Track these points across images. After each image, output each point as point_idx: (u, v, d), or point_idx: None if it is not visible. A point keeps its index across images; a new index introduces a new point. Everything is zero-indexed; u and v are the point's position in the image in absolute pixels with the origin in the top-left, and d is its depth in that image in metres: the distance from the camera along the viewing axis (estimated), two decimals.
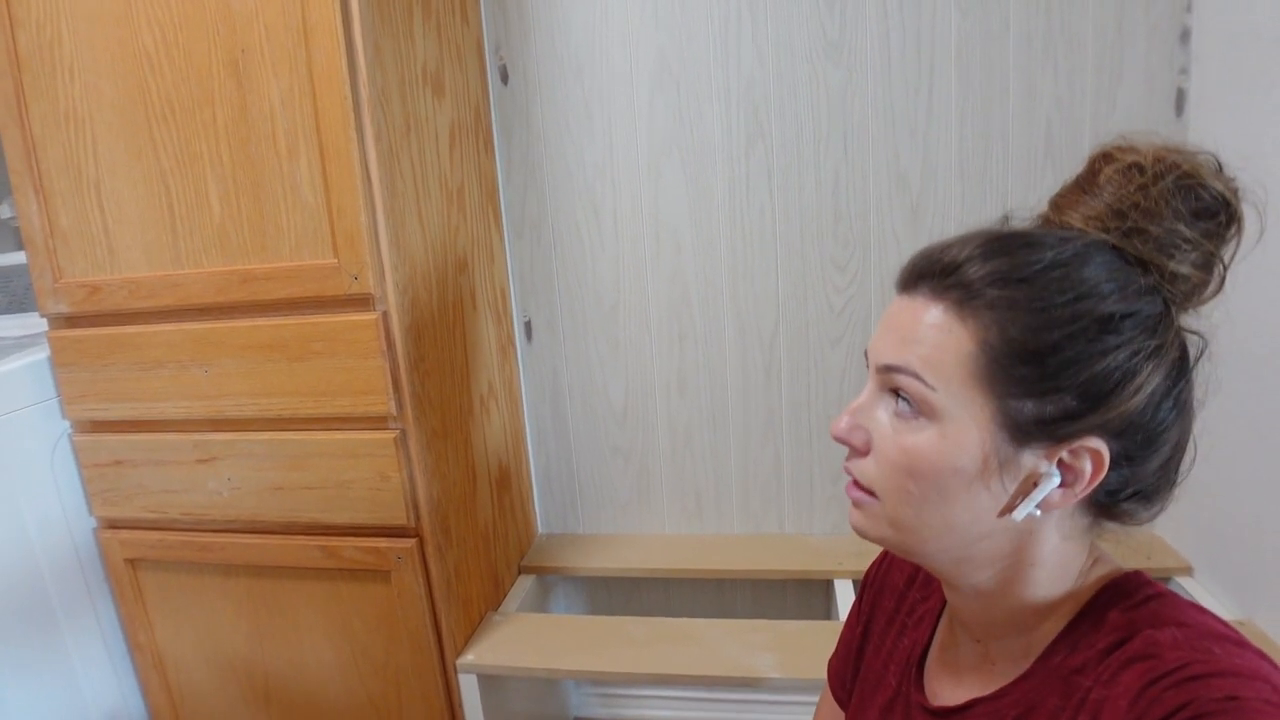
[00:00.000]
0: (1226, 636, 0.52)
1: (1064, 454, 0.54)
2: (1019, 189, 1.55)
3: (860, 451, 0.59)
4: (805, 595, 1.79)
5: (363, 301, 1.24)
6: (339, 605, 1.39)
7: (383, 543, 1.33)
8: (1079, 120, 1.51)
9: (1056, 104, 1.51)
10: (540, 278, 1.75)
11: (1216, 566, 1.48)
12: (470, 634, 1.48)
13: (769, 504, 1.79)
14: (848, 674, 0.82)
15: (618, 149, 1.66)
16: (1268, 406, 1.30)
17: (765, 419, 1.74)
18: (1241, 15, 1.33)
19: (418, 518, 1.33)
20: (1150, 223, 0.55)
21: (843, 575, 1.64)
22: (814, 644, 1.42)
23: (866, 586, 0.83)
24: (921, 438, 0.56)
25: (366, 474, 1.30)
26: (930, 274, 0.57)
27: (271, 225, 1.24)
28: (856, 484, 0.59)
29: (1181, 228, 0.54)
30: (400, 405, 1.28)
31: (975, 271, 0.55)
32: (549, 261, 1.74)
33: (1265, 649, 1.19)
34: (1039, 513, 0.55)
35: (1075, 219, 0.57)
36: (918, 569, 0.77)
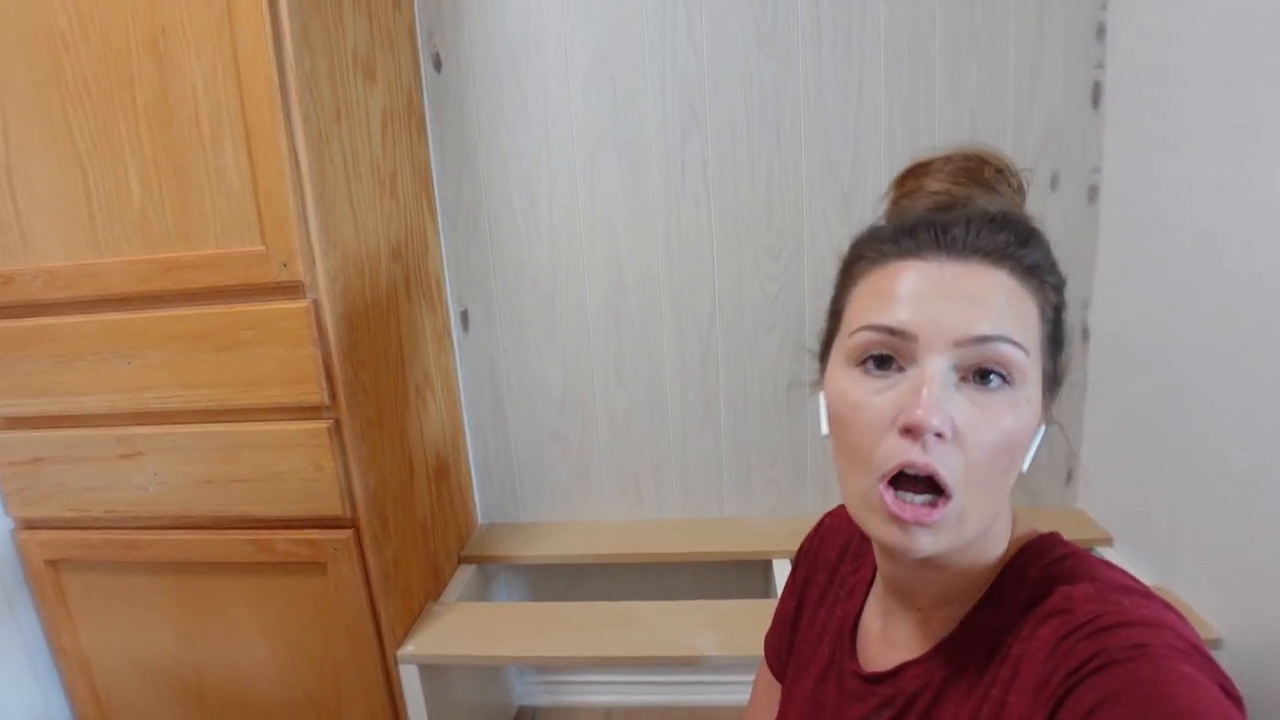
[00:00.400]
0: (1134, 589, 0.55)
1: (1048, 406, 0.59)
2: None
3: (947, 441, 0.52)
4: (745, 576, 1.82)
5: (292, 289, 1.22)
6: (273, 600, 1.37)
7: (317, 534, 1.31)
8: (1002, 112, 1.56)
9: (981, 95, 1.56)
10: (476, 266, 1.73)
11: (1135, 537, 1.56)
12: (410, 625, 1.47)
13: (709, 488, 1.81)
14: (783, 647, 0.83)
15: (553, 138, 1.66)
16: (1178, 390, 1.36)
17: (703, 405, 1.76)
18: (1152, 12, 1.39)
19: (353, 508, 1.31)
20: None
21: (781, 555, 1.66)
22: (753, 621, 1.44)
23: (800, 561, 0.84)
24: (1015, 410, 0.53)
25: (299, 465, 1.28)
26: (985, 243, 0.55)
27: (195, 211, 1.21)
28: (937, 488, 0.53)
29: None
30: (333, 394, 1.26)
31: (1025, 240, 0.56)
32: (485, 250, 1.72)
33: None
34: (1026, 468, 0.57)
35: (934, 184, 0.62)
36: (849, 541, 0.79)
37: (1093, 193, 1.59)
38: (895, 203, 0.65)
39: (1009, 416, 0.53)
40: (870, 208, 1.61)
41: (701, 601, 1.53)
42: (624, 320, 1.73)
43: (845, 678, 0.69)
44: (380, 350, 1.40)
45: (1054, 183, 1.58)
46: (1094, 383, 1.64)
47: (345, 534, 1.31)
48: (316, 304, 1.22)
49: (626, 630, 1.46)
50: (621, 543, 1.76)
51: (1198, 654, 0.49)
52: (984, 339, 0.52)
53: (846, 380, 0.57)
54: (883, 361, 0.55)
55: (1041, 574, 0.58)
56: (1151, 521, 1.49)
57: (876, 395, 0.55)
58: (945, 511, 0.53)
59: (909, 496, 0.53)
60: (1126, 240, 1.52)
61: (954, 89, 1.56)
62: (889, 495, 0.53)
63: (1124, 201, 1.52)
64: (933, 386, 0.52)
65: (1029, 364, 0.54)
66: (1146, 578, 1.47)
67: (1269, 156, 1.13)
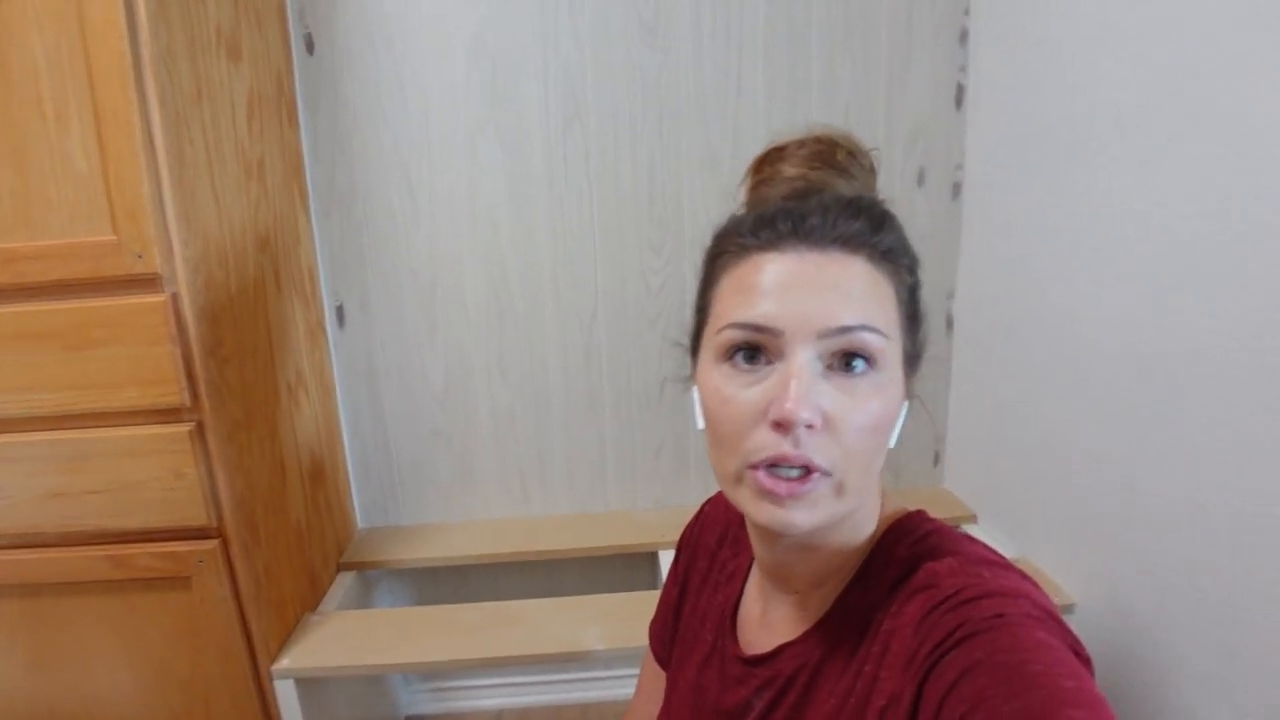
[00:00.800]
0: (995, 562, 0.58)
1: (910, 383, 0.61)
2: None
3: (819, 432, 0.53)
4: (632, 568, 1.82)
5: (148, 282, 1.13)
6: (133, 619, 1.27)
7: (181, 546, 1.23)
8: (874, 109, 1.62)
9: (854, 92, 1.61)
10: (352, 258, 1.66)
11: (996, 513, 1.65)
12: (285, 638, 1.40)
13: (594, 482, 1.81)
14: (667, 635, 0.84)
15: (432, 125, 1.61)
16: (1034, 376, 1.46)
17: (587, 398, 1.75)
18: (1010, 19, 1.47)
19: (220, 517, 1.23)
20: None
21: (666, 547, 1.67)
22: (639, 614, 1.42)
23: (682, 548, 0.85)
24: (880, 392, 0.55)
25: (158, 472, 1.19)
26: (842, 231, 0.56)
27: (38, 199, 1.10)
28: (809, 469, 0.53)
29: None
30: (195, 395, 1.17)
31: (879, 226, 0.57)
32: (361, 240, 1.65)
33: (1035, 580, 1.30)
34: (893, 443, 0.59)
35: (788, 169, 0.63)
36: (728, 527, 0.80)
37: (956, 189, 1.67)
38: (753, 189, 0.66)
39: (875, 399, 0.55)
40: None
41: (588, 597, 1.52)
42: (507, 312, 1.70)
43: (727, 662, 0.70)
44: (247, 347, 1.31)
45: (921, 179, 1.66)
46: (958, 370, 1.73)
47: (211, 544, 1.22)
48: (175, 298, 1.14)
49: (513, 630, 1.43)
50: (507, 541, 1.73)
51: (1052, 620, 0.52)
52: (847, 329, 0.54)
53: (717, 375, 0.57)
54: (751, 355, 0.56)
55: (909, 551, 0.60)
56: (1011, 499, 1.58)
57: (746, 389, 0.55)
58: (819, 483, 0.54)
59: (782, 471, 0.54)
60: (986, 235, 1.61)
61: (829, 85, 1.61)
62: (761, 473, 0.54)
63: (984, 198, 1.61)
64: (800, 379, 0.53)
65: (890, 347, 0.56)
66: (1007, 550, 1.56)
67: (1111, 157, 1.22)
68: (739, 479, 0.56)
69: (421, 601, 1.88)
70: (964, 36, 1.60)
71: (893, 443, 0.59)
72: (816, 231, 0.56)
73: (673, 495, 1.83)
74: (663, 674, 0.85)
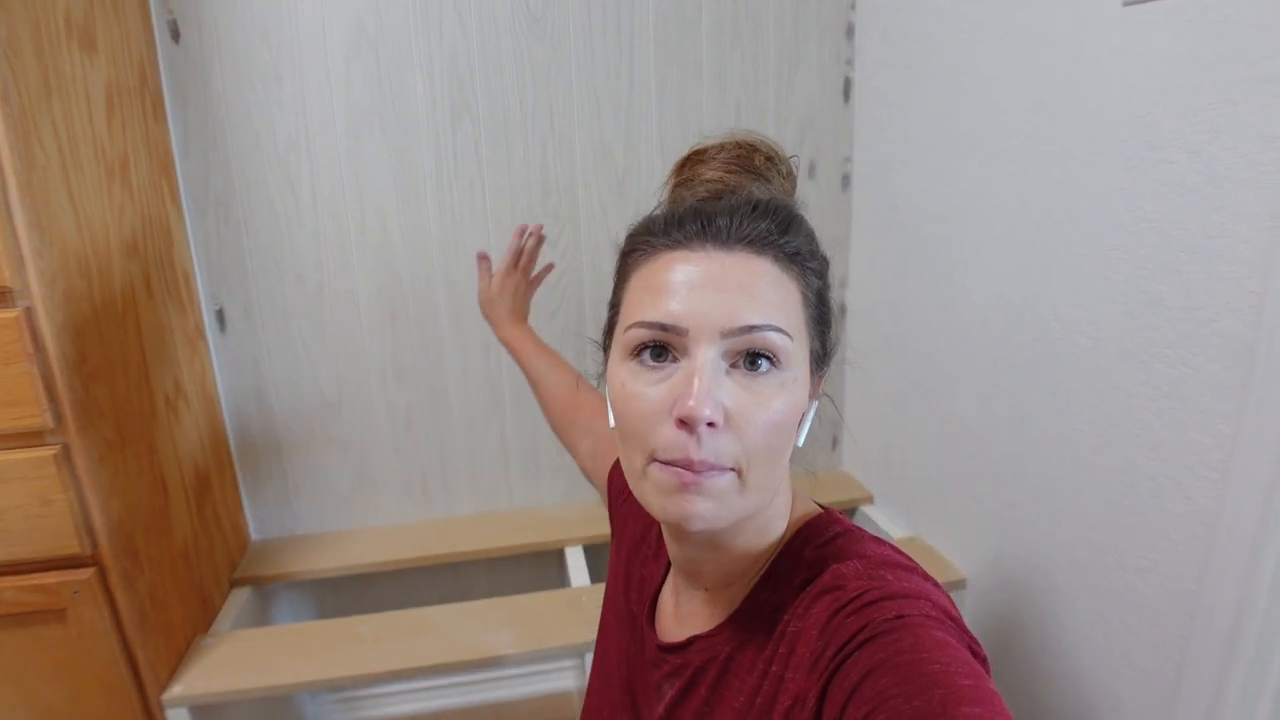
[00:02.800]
0: (899, 564, 0.60)
1: (815, 383, 0.62)
2: None
3: (721, 430, 0.54)
4: (540, 567, 1.81)
5: None
6: (4, 657, 1.18)
7: (52, 578, 1.14)
8: (763, 103, 1.64)
9: (744, 87, 1.62)
10: (231, 260, 1.58)
11: (892, 494, 1.71)
12: (176, 664, 1.32)
13: (497, 480, 1.78)
14: (614, 513, 0.87)
15: (313, 118, 1.53)
16: (922, 362, 1.51)
17: (488, 396, 1.72)
18: (892, 15, 1.51)
19: (95, 543, 1.15)
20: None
21: (573, 543, 1.68)
22: (549, 614, 1.45)
23: (615, 497, 0.87)
24: (784, 391, 0.55)
25: (22, 500, 1.10)
26: (749, 232, 0.57)
27: None
28: (712, 467, 0.54)
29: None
30: (59, 416, 1.09)
31: (786, 227, 0.58)
32: (240, 242, 1.57)
33: (927, 558, 1.38)
34: (801, 442, 0.60)
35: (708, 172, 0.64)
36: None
37: (845, 180, 1.71)
38: (674, 190, 0.67)
39: (778, 398, 0.55)
40: (644, 193, 1.66)
41: (497, 599, 1.50)
42: (399, 312, 1.65)
43: (646, 645, 0.72)
44: (118, 360, 1.23)
45: (811, 171, 1.69)
46: (853, 356, 1.78)
47: (87, 573, 1.15)
48: (30, 313, 1.05)
49: (420, 639, 1.40)
50: (411, 545, 1.69)
51: (949, 620, 0.54)
52: (750, 328, 0.54)
53: (625, 372, 0.58)
54: (659, 353, 0.56)
55: (816, 554, 0.62)
56: (905, 480, 1.64)
57: (653, 386, 0.56)
58: (720, 476, 0.54)
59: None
60: (875, 225, 1.65)
61: (719, 79, 1.61)
62: (661, 466, 0.55)
63: (871, 189, 1.65)
64: (703, 377, 0.53)
65: (794, 347, 0.56)
66: (902, 530, 1.62)
67: (988, 151, 1.27)
68: (644, 473, 0.56)
69: (323, 614, 1.82)
70: (850, 31, 1.63)
71: (800, 441, 0.60)
72: (724, 232, 0.56)
73: (578, 491, 1.82)
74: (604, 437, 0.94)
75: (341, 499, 1.74)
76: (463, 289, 1.65)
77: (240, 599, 1.56)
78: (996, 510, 1.34)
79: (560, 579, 1.77)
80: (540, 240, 1.15)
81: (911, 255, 1.52)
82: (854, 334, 1.77)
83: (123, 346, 1.25)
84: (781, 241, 0.58)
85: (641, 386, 0.56)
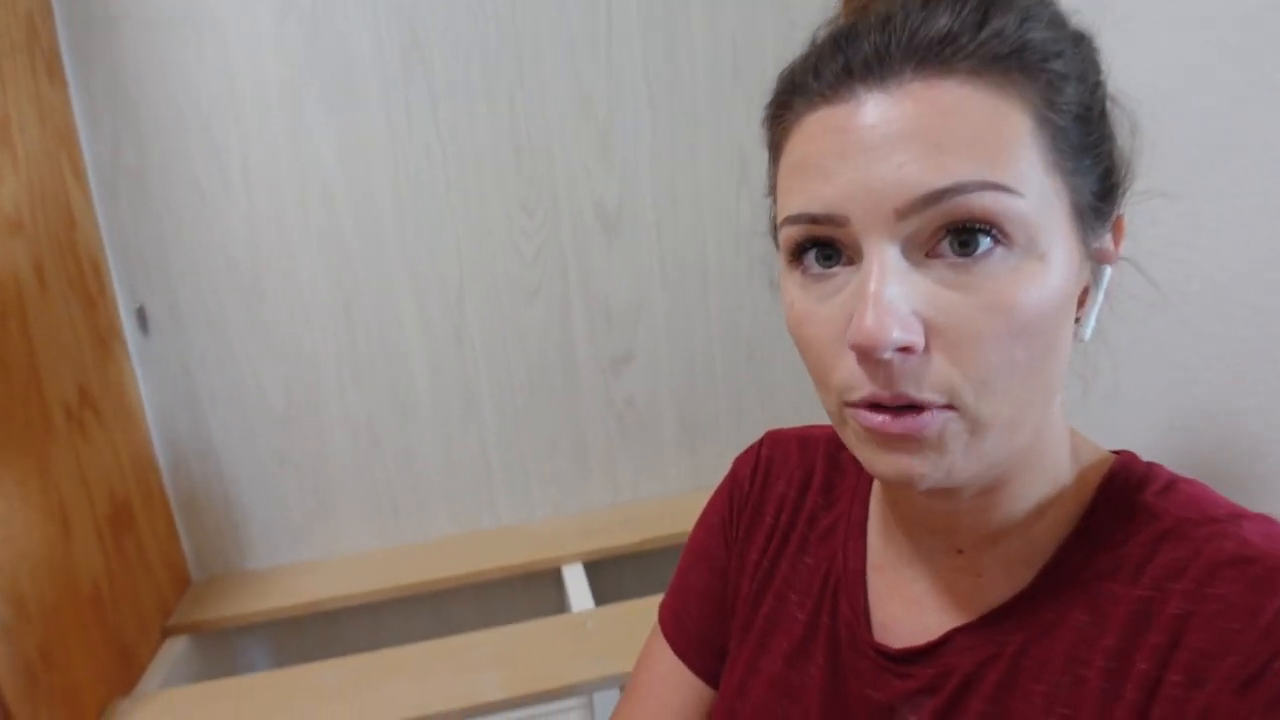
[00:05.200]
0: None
1: (1102, 242, 0.43)
2: (709, 113, 1.43)
3: (919, 353, 0.38)
4: (535, 590, 1.57)
5: None
6: None
7: None
8: (763, 34, 1.43)
9: (741, 16, 1.41)
10: (151, 248, 1.34)
11: None
12: None
13: (479, 495, 1.55)
14: (707, 627, 0.62)
15: (240, 79, 1.31)
16: None
17: (463, 396, 1.49)
18: None
19: None
20: None
21: (572, 559, 1.45)
22: (547, 646, 1.21)
23: (732, 508, 0.63)
24: (1022, 274, 0.38)
25: None
26: (918, 45, 0.38)
27: None
28: (917, 406, 0.39)
29: None
30: None
31: (986, 13, 0.38)
32: (162, 226, 1.33)
33: None
34: (1088, 335, 0.44)
35: None
36: (812, 469, 0.59)
37: None
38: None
39: (1015, 287, 0.38)
40: (633, 148, 1.43)
41: (485, 632, 1.26)
42: (354, 303, 1.41)
43: (852, 654, 0.51)
44: None
45: None
46: None
47: None
48: None
49: (391, 686, 1.16)
50: (381, 575, 1.45)
51: None
52: (939, 194, 0.37)
53: (791, 285, 0.44)
54: (826, 255, 0.42)
55: (1158, 504, 0.43)
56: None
57: (824, 302, 0.42)
58: (938, 418, 0.39)
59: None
60: None
61: (712, 10, 1.40)
62: (862, 410, 0.40)
63: None
64: (880, 286, 0.38)
65: (1031, 207, 0.37)
66: None
67: None
68: (842, 419, 0.43)
69: (283, 661, 1.56)
70: None
71: (1087, 334, 0.44)
72: (877, 59, 0.39)
73: (573, 500, 1.58)
74: (686, 674, 0.62)
75: (297, 526, 1.50)
76: (426, 269, 1.42)
77: (175, 650, 1.31)
78: None
79: (558, 604, 1.53)
80: None
81: None
82: None
83: (3, 346, 1.01)
84: (981, 40, 0.38)
85: (810, 304, 0.43)
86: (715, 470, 1.72)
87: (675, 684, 0.63)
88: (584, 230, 1.45)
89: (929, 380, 0.38)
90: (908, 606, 0.50)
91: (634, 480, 1.59)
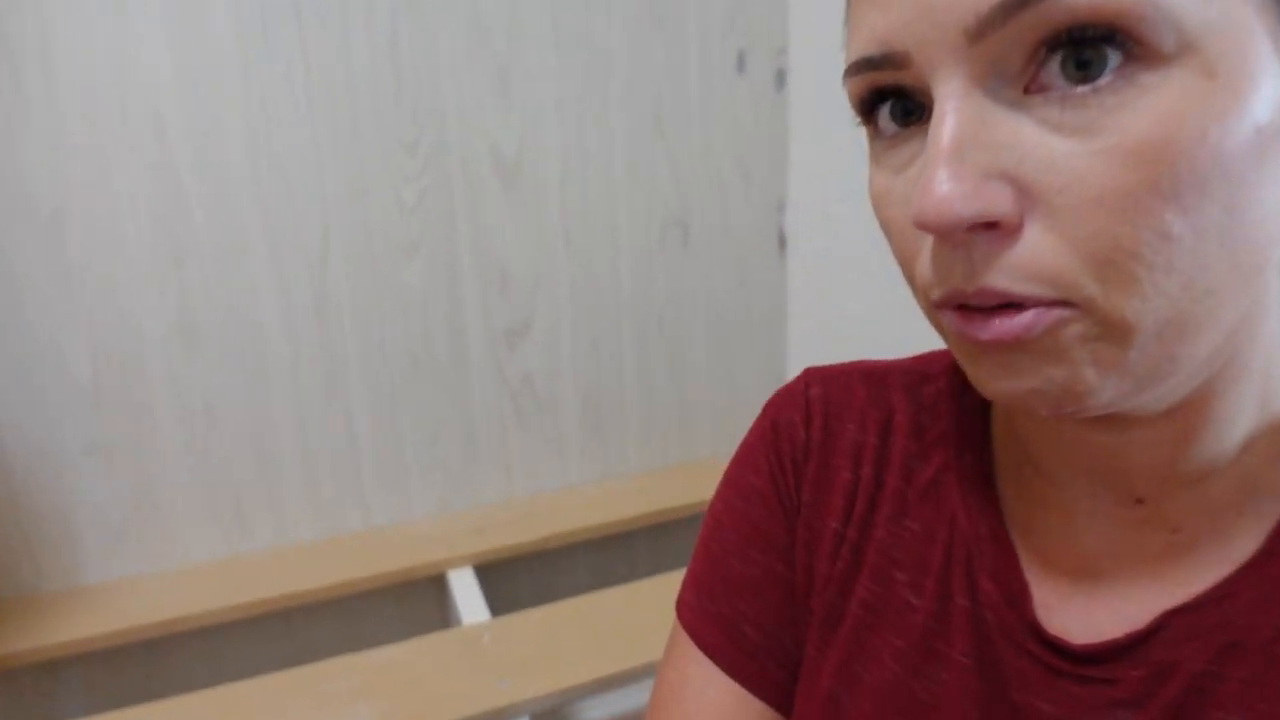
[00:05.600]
0: None
1: None
2: (625, 53, 1.32)
3: (1010, 229, 0.28)
4: (412, 603, 1.43)
5: None
6: None
7: None
8: None
9: None
10: None
11: None
12: None
13: (345, 488, 1.38)
14: (777, 624, 0.46)
15: None
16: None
17: (325, 367, 1.32)
18: None
19: None
20: None
21: (460, 562, 1.33)
22: (432, 671, 1.07)
23: (786, 466, 0.47)
24: (1177, 101, 0.26)
25: None
26: None
27: None
28: (1012, 301, 0.29)
29: None
30: None
31: None
32: None
33: None
34: None
35: None
36: (891, 410, 0.46)
37: (781, 77, 1.42)
38: None
39: (1167, 121, 0.26)
40: (536, 86, 1.25)
41: (347, 657, 1.12)
42: (190, 254, 1.21)
43: (1008, 650, 0.37)
44: None
45: (741, 64, 1.40)
46: (793, 293, 1.56)
47: None
48: None
49: None
50: (223, 591, 1.28)
51: None
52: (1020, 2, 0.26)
53: (871, 156, 0.35)
54: (903, 111, 0.32)
55: None
56: None
57: (900, 174, 0.33)
58: (1051, 317, 0.28)
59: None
60: (818, 133, 1.39)
61: None
62: (950, 313, 0.31)
63: (813, 89, 1.39)
64: (947, 139, 0.28)
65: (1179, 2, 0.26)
66: None
67: None
68: (941, 328, 0.34)
69: (95, 705, 1.32)
70: None
71: None
72: None
73: (461, 493, 1.44)
74: (750, 703, 0.45)
75: (113, 533, 1.27)
76: (283, 216, 1.23)
77: None
78: None
79: (443, 616, 1.40)
80: None
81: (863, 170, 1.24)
82: (796, 270, 1.51)
83: None
84: None
85: (886, 177, 0.34)
86: (622, 458, 1.64)
87: (714, 699, 0.46)
88: (477, 179, 1.32)
89: (1025, 266, 0.28)
90: (1077, 582, 0.37)
91: (531, 470, 1.48)
